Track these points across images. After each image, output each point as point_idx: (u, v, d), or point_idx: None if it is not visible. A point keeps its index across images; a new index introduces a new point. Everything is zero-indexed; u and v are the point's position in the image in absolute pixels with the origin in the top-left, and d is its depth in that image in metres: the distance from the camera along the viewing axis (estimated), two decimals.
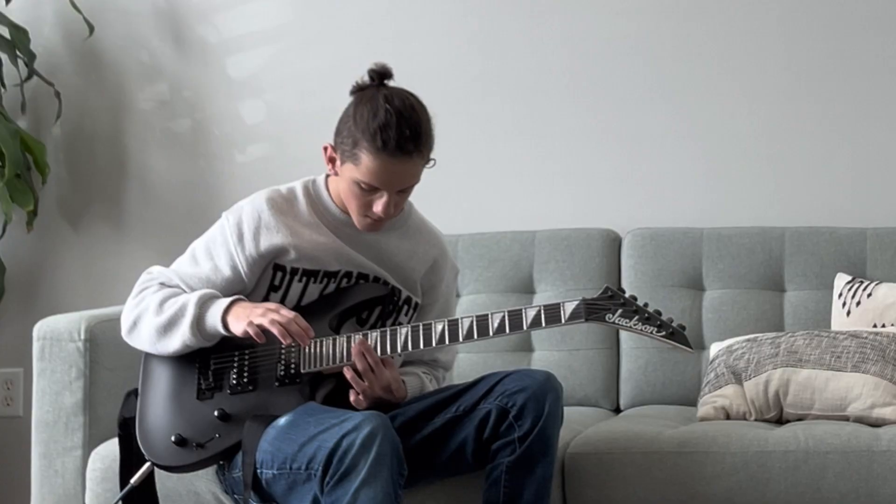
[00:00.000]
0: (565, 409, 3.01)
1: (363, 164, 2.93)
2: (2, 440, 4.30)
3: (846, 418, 3.29)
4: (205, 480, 3.14)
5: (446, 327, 2.96)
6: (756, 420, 3.36)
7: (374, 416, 2.78)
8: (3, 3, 4.20)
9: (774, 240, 3.76)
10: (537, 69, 4.06)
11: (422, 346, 2.98)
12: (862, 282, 3.58)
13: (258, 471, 2.87)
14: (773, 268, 3.75)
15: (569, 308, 2.93)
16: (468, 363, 3.72)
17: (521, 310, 2.94)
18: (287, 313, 2.94)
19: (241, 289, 3.06)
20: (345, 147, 2.96)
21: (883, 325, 3.48)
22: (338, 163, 3.00)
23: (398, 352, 2.98)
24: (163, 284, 3.08)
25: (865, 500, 3.03)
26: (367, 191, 2.96)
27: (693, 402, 3.56)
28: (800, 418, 3.34)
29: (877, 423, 3.25)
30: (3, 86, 4.19)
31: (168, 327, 3.00)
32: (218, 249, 3.07)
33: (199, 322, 2.98)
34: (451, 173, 4.03)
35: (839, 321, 3.56)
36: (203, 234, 3.13)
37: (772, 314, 3.72)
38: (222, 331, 2.98)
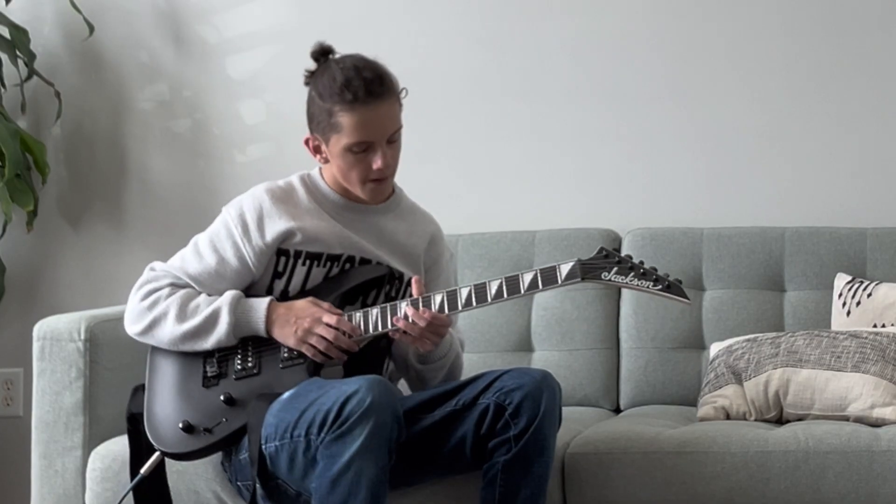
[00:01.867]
0: (565, 409, 3.01)
1: (345, 127, 2.97)
2: (2, 440, 4.30)
3: (846, 418, 3.28)
4: (205, 480, 3.14)
5: (445, 298, 2.97)
6: (756, 420, 3.36)
7: (373, 379, 2.80)
8: (3, 3, 4.20)
9: (774, 240, 3.76)
10: (538, 69, 4.05)
11: None
12: (862, 282, 3.58)
13: (263, 447, 2.88)
14: (773, 268, 3.75)
15: (565, 269, 2.94)
16: (468, 363, 3.68)
17: (517, 275, 2.95)
18: (330, 319, 2.97)
19: (250, 279, 3.08)
20: (323, 125, 3.00)
21: (883, 325, 3.48)
22: (323, 148, 3.03)
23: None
24: (173, 285, 3.09)
25: (865, 500, 3.03)
26: (361, 152, 2.99)
27: (693, 402, 3.56)
28: (800, 418, 3.34)
29: (877, 423, 3.24)
30: (3, 86, 4.19)
31: (198, 333, 3.03)
32: (223, 243, 3.08)
33: (236, 328, 3.02)
34: (451, 173, 4.04)
35: (839, 321, 3.56)
36: (204, 231, 3.13)
37: (772, 314, 3.71)
38: (265, 336, 3.02)
